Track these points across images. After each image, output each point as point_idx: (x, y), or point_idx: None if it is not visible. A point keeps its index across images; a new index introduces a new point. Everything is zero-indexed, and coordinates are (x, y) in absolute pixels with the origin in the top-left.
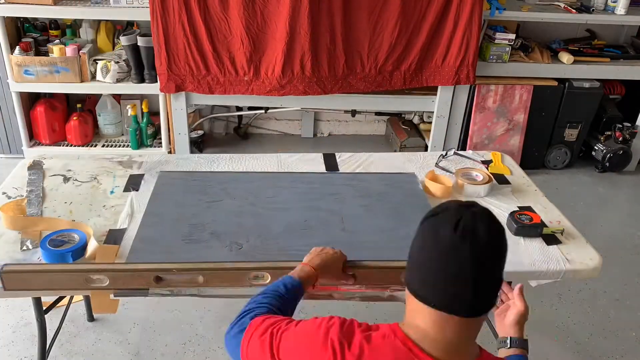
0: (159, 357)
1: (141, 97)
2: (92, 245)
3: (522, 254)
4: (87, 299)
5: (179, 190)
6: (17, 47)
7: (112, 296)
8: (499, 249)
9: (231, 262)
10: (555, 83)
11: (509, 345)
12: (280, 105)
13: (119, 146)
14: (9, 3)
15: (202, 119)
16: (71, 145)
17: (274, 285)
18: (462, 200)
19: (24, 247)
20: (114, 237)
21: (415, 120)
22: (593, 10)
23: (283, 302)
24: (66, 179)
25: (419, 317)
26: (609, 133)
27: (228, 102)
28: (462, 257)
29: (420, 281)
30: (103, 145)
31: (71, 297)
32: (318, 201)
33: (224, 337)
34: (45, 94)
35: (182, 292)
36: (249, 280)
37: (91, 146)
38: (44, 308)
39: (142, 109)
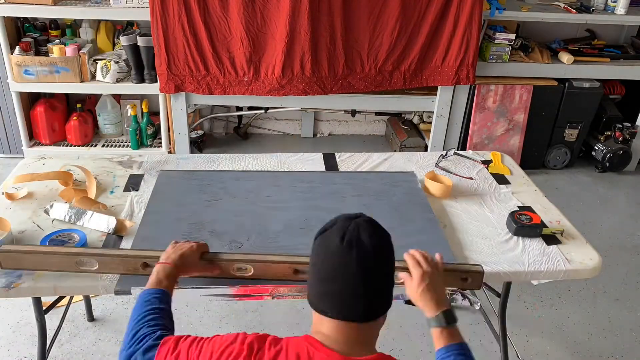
0: None
1: (141, 97)
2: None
3: (522, 254)
4: (87, 299)
5: (179, 189)
6: (17, 47)
7: None
8: (384, 254)
9: (214, 253)
10: (555, 83)
11: (434, 324)
12: (280, 105)
13: (119, 146)
14: (9, 3)
15: (202, 119)
16: (71, 145)
17: (146, 302)
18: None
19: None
20: (113, 237)
21: (415, 120)
22: (593, 10)
23: (168, 316)
24: None
25: (322, 326)
26: (609, 133)
27: (228, 102)
28: (351, 265)
29: (317, 295)
30: (103, 145)
31: (71, 297)
32: (318, 200)
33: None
34: (45, 94)
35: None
36: (232, 271)
37: (91, 146)
38: (44, 308)
39: (142, 109)
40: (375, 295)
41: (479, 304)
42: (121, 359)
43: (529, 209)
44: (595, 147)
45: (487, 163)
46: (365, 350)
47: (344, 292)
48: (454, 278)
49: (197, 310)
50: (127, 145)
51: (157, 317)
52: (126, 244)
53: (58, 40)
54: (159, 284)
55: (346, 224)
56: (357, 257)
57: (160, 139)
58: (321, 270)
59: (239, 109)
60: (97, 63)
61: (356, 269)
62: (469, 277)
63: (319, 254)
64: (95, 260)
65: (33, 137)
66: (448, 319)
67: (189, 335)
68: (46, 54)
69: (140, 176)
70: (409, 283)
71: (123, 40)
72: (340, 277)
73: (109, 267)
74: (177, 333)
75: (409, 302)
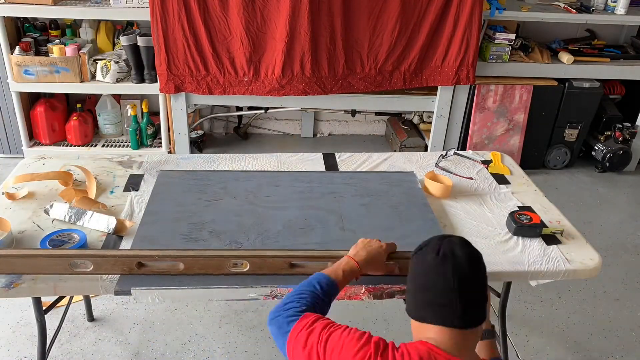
0: (159, 357)
1: (141, 97)
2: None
3: (522, 254)
4: (86, 299)
5: (178, 189)
6: (17, 47)
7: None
8: (477, 267)
9: (211, 250)
10: (555, 83)
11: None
12: (280, 105)
13: (119, 146)
14: (9, 3)
15: (202, 119)
16: (71, 145)
17: (309, 283)
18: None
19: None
20: (113, 237)
21: (415, 120)
22: (593, 10)
23: (320, 303)
24: None
25: (427, 333)
26: (608, 133)
27: (228, 102)
28: (446, 274)
29: (417, 305)
30: (103, 145)
31: (71, 297)
32: (317, 200)
33: (268, 322)
34: (45, 94)
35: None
36: (228, 267)
37: (91, 146)
38: (44, 308)
39: (142, 109)
40: (470, 303)
41: None
42: (268, 318)
43: (529, 208)
44: (595, 147)
45: (487, 163)
46: (472, 356)
47: (440, 298)
48: None
49: (197, 310)
50: (127, 145)
51: (309, 298)
52: (126, 243)
53: (58, 40)
54: (334, 274)
55: (440, 241)
56: (452, 267)
57: (160, 139)
58: (418, 281)
59: (239, 109)
60: (97, 63)
61: (450, 277)
62: None
63: (416, 268)
64: (89, 262)
65: (33, 137)
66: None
67: (327, 318)
68: (46, 54)
69: (140, 176)
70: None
71: (123, 40)
72: (437, 285)
73: (103, 268)
74: (177, 333)
75: None
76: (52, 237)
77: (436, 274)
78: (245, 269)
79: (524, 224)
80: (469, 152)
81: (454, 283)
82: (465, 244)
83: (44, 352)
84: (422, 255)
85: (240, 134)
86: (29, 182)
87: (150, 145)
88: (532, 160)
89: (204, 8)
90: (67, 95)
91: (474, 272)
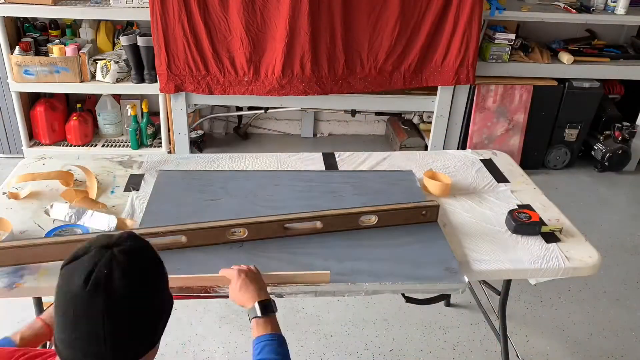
0: (158, 357)
1: (141, 97)
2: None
3: (522, 252)
4: None
5: (178, 188)
6: (17, 47)
7: None
8: (141, 292)
9: (210, 222)
10: (555, 83)
11: (251, 316)
12: (280, 105)
13: (119, 146)
14: (9, 3)
15: (202, 119)
16: (71, 145)
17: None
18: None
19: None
20: None
21: (415, 120)
22: (593, 10)
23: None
24: None
25: None
26: (608, 132)
27: (228, 102)
28: (94, 315)
29: (60, 340)
30: (103, 145)
31: None
32: (317, 199)
33: None
34: (45, 94)
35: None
36: (227, 236)
37: (91, 146)
38: (45, 308)
39: (142, 109)
40: (126, 344)
41: None
42: None
43: (528, 207)
44: (595, 147)
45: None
46: None
47: (87, 343)
48: (415, 214)
49: (197, 310)
50: (127, 145)
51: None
52: None
53: (58, 40)
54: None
55: (97, 257)
56: (105, 306)
57: (160, 139)
58: (62, 312)
59: (239, 109)
60: (97, 63)
61: (101, 320)
62: (427, 212)
63: (60, 290)
64: None
65: (33, 137)
66: (262, 309)
67: None
68: (46, 54)
69: (141, 176)
70: (231, 286)
71: (123, 40)
72: (82, 327)
73: None
74: (177, 333)
75: (409, 299)
76: (55, 232)
77: (81, 313)
78: (244, 236)
79: (523, 222)
80: (467, 151)
81: (104, 329)
82: (129, 258)
83: None
84: (70, 275)
85: (240, 134)
86: (30, 182)
87: (150, 145)
88: (532, 160)
89: (204, 8)
90: (67, 95)
91: (137, 304)
